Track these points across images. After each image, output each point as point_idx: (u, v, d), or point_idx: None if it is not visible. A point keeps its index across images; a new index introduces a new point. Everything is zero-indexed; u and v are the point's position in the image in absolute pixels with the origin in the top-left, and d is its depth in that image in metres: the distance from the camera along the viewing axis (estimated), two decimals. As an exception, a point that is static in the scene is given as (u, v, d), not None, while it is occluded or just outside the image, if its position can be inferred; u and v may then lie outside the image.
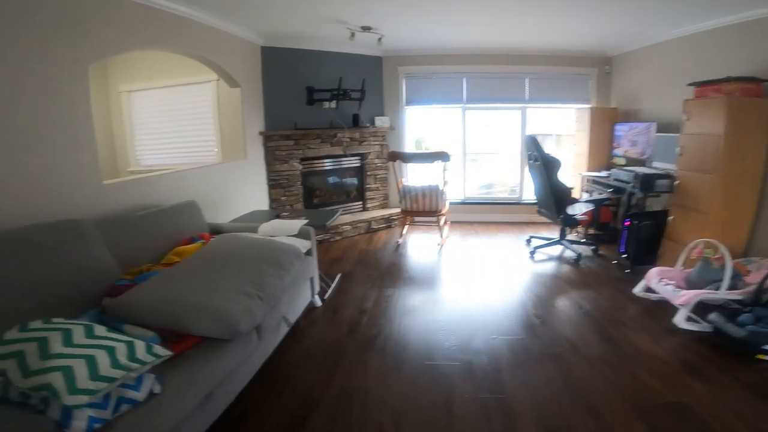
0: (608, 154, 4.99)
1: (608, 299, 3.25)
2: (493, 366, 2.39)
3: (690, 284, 3.01)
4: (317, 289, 3.12)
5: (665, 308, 2.97)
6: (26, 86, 2.07)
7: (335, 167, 5.30)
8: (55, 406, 1.07)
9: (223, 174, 3.93)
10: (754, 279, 2.82)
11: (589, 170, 4.96)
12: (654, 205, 3.92)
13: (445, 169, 4.45)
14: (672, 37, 4.24)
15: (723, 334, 2.48)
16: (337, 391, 2.18)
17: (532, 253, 4.30)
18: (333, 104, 4.97)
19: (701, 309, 2.72)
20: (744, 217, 3.25)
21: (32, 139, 2.11)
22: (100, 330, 1.30)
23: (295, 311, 2.65)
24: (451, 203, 5.22)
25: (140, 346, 1.30)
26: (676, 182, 3.50)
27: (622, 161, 4.67)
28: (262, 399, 2.10)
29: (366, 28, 4.21)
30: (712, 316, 2.61)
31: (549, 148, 4.98)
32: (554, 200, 3.92)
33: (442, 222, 4.81)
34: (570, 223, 4.02)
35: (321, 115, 4.99)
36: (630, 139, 4.58)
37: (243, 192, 4.24)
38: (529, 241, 4.68)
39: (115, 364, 1.19)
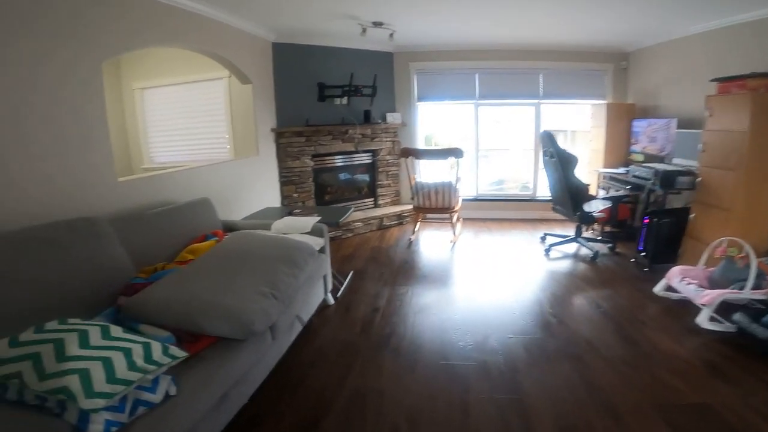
0: (625, 150, 4.89)
1: (627, 298, 3.18)
2: (509, 366, 2.35)
3: (713, 283, 2.93)
4: (330, 287, 3.10)
5: (687, 308, 2.90)
6: (40, 84, 2.06)
7: (347, 164, 5.28)
8: (72, 409, 1.05)
9: (235, 171, 3.92)
10: (779, 279, 2.73)
11: (606, 167, 4.87)
12: (673, 202, 3.83)
13: (458, 166, 4.39)
14: (693, 32, 4.15)
15: (747, 335, 2.41)
16: (351, 391, 2.16)
17: (547, 250, 4.23)
18: (344, 100, 4.94)
19: (724, 309, 2.65)
20: (768, 214, 3.15)
21: (47, 137, 2.11)
22: (116, 331, 1.28)
23: (308, 310, 2.63)
24: (463, 200, 5.16)
25: (156, 348, 1.29)
26: (698, 179, 3.41)
27: (640, 158, 4.57)
28: (276, 399, 2.08)
29: (377, 24, 4.16)
30: (737, 316, 2.53)
31: (563, 145, 4.89)
32: (570, 197, 3.84)
33: (454, 219, 4.76)
34: (587, 220, 3.95)
35: (332, 111, 4.96)
36: (649, 135, 4.48)
37: (255, 189, 4.23)
38: (543, 239, 4.61)
39: (132, 366, 1.17)
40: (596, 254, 3.98)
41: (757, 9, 3.36)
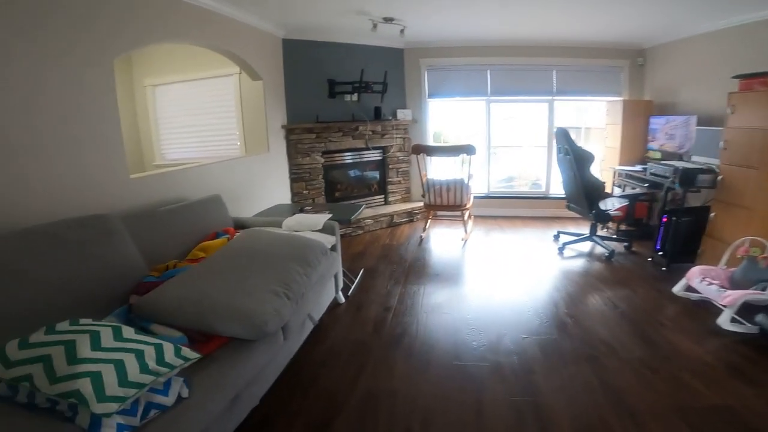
0: (642, 147, 4.79)
1: (645, 298, 3.11)
2: (524, 367, 2.30)
3: (734, 284, 2.84)
4: (341, 285, 3.07)
5: (707, 308, 2.84)
6: (52, 81, 2.05)
7: (357, 160, 5.24)
8: (84, 413, 1.03)
9: (246, 168, 3.90)
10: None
11: (621, 164, 4.77)
12: (691, 200, 3.74)
13: (470, 163, 4.33)
14: (712, 29, 4.06)
15: (771, 337, 2.34)
16: (363, 392, 2.12)
17: (561, 249, 4.16)
18: (355, 97, 4.90)
19: (745, 310, 2.58)
20: (792, 214, 3.05)
21: (59, 134, 2.10)
22: (128, 332, 1.26)
23: (319, 309, 2.60)
24: (474, 197, 5.10)
25: (168, 349, 1.26)
26: (720, 177, 3.32)
27: (658, 155, 4.47)
28: (287, 399, 2.06)
29: (388, 19, 4.11)
30: (759, 317, 2.47)
31: (578, 142, 4.80)
32: (586, 195, 3.77)
33: (466, 216, 4.70)
34: (602, 218, 3.87)
35: (343, 107, 4.92)
36: (667, 132, 4.38)
37: (266, 186, 4.21)
38: (557, 237, 4.53)
39: (144, 368, 1.14)
40: (612, 253, 3.90)
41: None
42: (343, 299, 3.13)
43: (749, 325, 2.51)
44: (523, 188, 6.07)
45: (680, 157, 4.14)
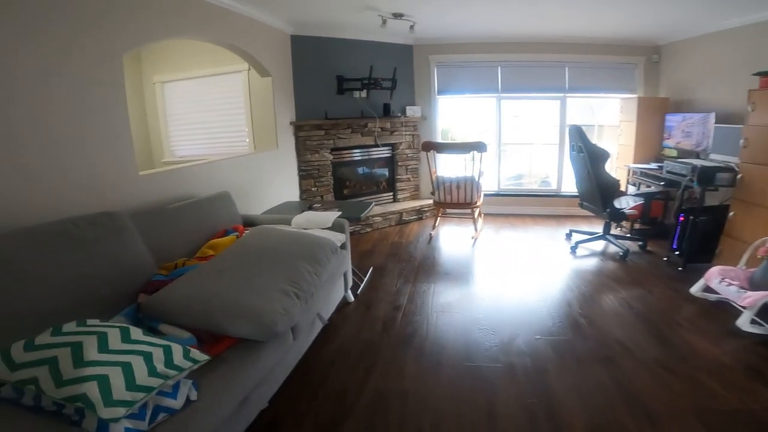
0: (657, 145, 4.70)
1: (661, 299, 3.04)
2: (537, 369, 2.25)
3: (753, 285, 2.76)
4: (350, 283, 3.03)
5: (725, 309, 2.77)
6: (60, 77, 2.02)
7: (366, 157, 5.19)
8: (91, 417, 1.00)
9: (255, 164, 3.88)
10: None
11: (636, 162, 4.68)
12: (709, 199, 3.64)
13: (481, 160, 4.27)
14: (731, 26, 3.96)
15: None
16: (373, 392, 2.09)
17: (574, 248, 4.08)
18: (364, 93, 4.85)
19: (765, 311, 2.50)
20: (814, 213, 2.96)
21: (67, 130, 2.07)
22: (136, 333, 1.23)
23: (328, 308, 2.57)
24: (484, 195, 5.03)
25: (177, 351, 1.23)
26: (739, 176, 3.23)
27: (674, 153, 4.38)
28: (296, 401, 2.02)
29: (398, 15, 4.05)
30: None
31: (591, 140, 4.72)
32: (600, 193, 3.69)
33: (476, 214, 4.64)
34: (617, 217, 3.79)
35: (351, 104, 4.88)
36: (683, 129, 4.28)
37: (274, 183, 4.19)
38: (569, 236, 4.46)
39: (152, 371, 1.11)
40: (626, 252, 3.82)
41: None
42: (352, 298, 3.10)
43: (770, 327, 2.42)
44: (531, 186, 5.99)
45: (697, 155, 4.05)
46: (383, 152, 5.29)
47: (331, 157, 4.85)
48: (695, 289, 3.01)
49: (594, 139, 5.47)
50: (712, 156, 3.85)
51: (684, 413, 1.87)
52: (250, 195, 3.70)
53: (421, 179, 5.61)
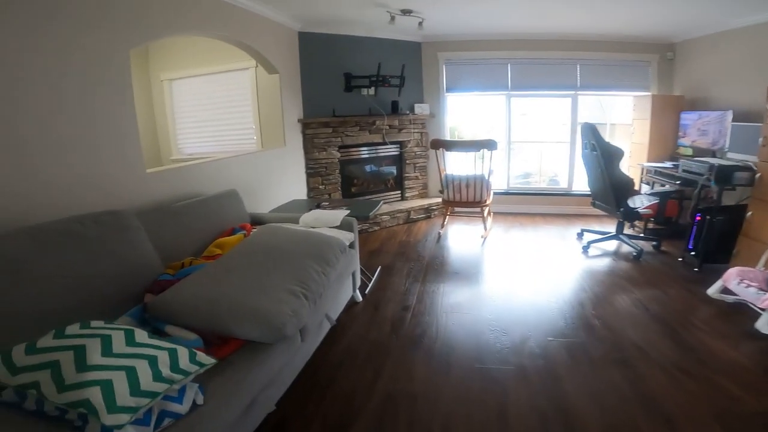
0: (672, 144, 4.61)
1: (677, 300, 2.97)
2: (550, 371, 2.20)
3: (773, 287, 2.68)
4: (358, 283, 2.99)
5: (744, 311, 2.70)
6: (67, 74, 2.00)
7: (373, 155, 5.15)
8: (94, 423, 0.97)
9: (262, 162, 3.85)
10: None
11: (650, 161, 4.59)
12: (725, 199, 3.56)
13: (491, 158, 4.20)
14: (749, 23, 3.87)
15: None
16: (382, 395, 2.05)
17: (586, 247, 4.01)
18: (372, 91, 4.80)
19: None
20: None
21: (74, 128, 2.05)
22: (141, 336, 1.19)
23: (336, 308, 2.53)
24: (494, 193, 4.97)
25: (183, 355, 1.19)
26: (758, 175, 3.14)
27: (689, 151, 4.29)
28: (303, 403, 1.99)
29: (406, 12, 4.00)
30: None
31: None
32: (614, 192, 3.61)
33: (485, 213, 4.58)
34: (631, 216, 3.71)
35: (359, 102, 4.84)
36: (699, 128, 4.19)
37: (282, 181, 4.16)
38: (581, 235, 4.38)
39: (158, 376, 1.08)
40: (640, 252, 3.74)
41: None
42: (360, 298, 3.05)
43: (790, 330, 2.35)
44: (540, 184, 5.90)
45: (713, 154, 3.96)
46: (391, 150, 5.24)
47: (339, 154, 4.81)
48: (713, 291, 2.94)
49: (606, 138, 5.39)
50: (729, 155, 3.77)
51: (702, 416, 1.82)
52: (258, 193, 3.67)
53: (430, 177, 5.56)
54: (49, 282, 1.47)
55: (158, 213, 2.25)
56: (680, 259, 3.65)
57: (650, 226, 4.38)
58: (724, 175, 3.26)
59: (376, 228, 4.89)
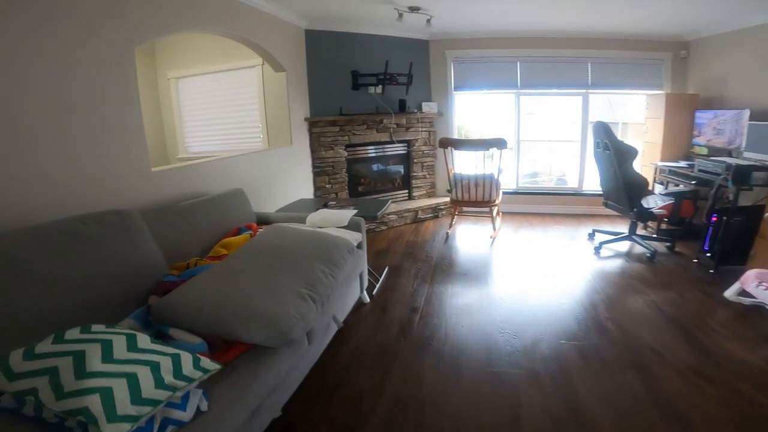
0: (686, 143, 4.51)
1: (693, 302, 2.90)
2: (563, 375, 2.14)
3: (794, 290, 2.60)
4: (366, 284, 2.94)
5: (762, 314, 2.63)
6: (71, 71, 1.96)
7: (381, 154, 5.09)
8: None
9: (268, 161, 3.81)
10: None
11: (663, 160, 4.49)
12: (742, 199, 3.46)
13: (500, 157, 4.13)
14: (766, 21, 3.76)
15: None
16: (390, 399, 2.00)
17: (598, 248, 3.93)
18: (379, 89, 4.75)
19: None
20: None
21: (78, 125, 2.01)
22: (143, 341, 1.15)
23: (344, 309, 2.48)
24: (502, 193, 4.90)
25: (187, 360, 1.15)
26: (777, 174, 3.05)
27: (704, 151, 4.20)
28: (309, 407, 1.94)
29: (414, 9, 3.94)
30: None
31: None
32: (627, 192, 3.53)
33: (494, 213, 4.51)
34: (645, 217, 3.62)
35: (366, 100, 4.79)
36: (714, 127, 4.10)
37: (289, 180, 4.12)
38: (592, 236, 4.30)
39: (160, 383, 1.04)
40: (654, 253, 3.66)
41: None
42: (367, 299, 3.00)
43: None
44: (547, 184, 5.82)
45: (729, 153, 3.87)
46: (398, 149, 5.18)
47: (346, 153, 4.76)
48: (730, 293, 2.86)
49: (618, 137, 5.30)
50: (746, 154, 3.68)
51: (720, 421, 1.77)
52: (264, 192, 3.64)
53: (437, 176, 5.50)
54: (50, 282, 1.44)
55: (163, 212, 2.21)
56: (695, 261, 3.56)
57: (663, 226, 4.29)
58: (742, 175, 3.17)
59: (384, 227, 4.84)
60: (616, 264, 3.66)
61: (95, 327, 1.15)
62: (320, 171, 4.64)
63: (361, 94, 4.76)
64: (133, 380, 1.00)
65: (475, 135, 5.90)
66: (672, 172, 4.19)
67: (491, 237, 4.45)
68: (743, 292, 2.78)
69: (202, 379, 1.18)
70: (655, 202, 3.64)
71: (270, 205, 3.67)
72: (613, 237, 4.04)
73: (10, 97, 1.70)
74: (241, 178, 3.29)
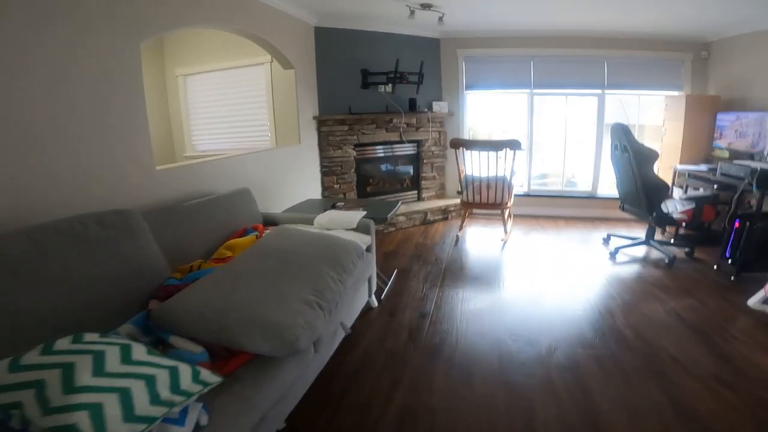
0: (707, 145, 4.38)
1: (714, 310, 2.78)
2: (579, 384, 2.05)
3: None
4: (374, 288, 2.86)
5: (788, 324, 2.51)
6: (76, 67, 1.90)
7: (390, 154, 5.01)
8: (81, 453, 0.85)
9: (276, 160, 3.74)
10: None
11: (683, 163, 4.36)
12: (766, 204, 3.33)
13: (513, 159, 4.03)
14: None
15: None
16: (399, 408, 1.92)
17: (614, 253, 3.81)
18: (389, 88, 4.67)
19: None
20: None
21: (82, 122, 1.95)
22: (138, 352, 1.07)
23: (352, 315, 2.40)
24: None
25: (185, 373, 1.07)
26: (804, 178, 2.92)
27: (725, 154, 4.07)
28: (315, 416, 1.86)
29: (426, 6, 3.86)
30: None
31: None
32: (646, 196, 3.41)
33: (506, 215, 4.41)
34: (664, 222, 3.50)
35: (376, 99, 4.71)
36: (736, 129, 3.97)
37: (296, 179, 4.05)
38: (607, 240, 4.18)
39: (155, 399, 0.96)
40: (673, 259, 3.53)
41: None
42: (375, 303, 2.92)
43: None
44: (556, 186, 5.69)
45: (751, 157, 3.73)
46: (408, 149, 5.09)
47: (355, 153, 4.68)
48: (753, 301, 2.75)
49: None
50: (770, 157, 3.54)
51: (743, 431, 1.71)
52: (271, 192, 3.57)
53: (447, 177, 5.41)
54: (48, 285, 1.37)
55: (167, 212, 2.15)
56: (715, 267, 3.43)
57: (681, 231, 4.16)
58: (766, 180, 3.04)
59: (392, 229, 4.76)
60: (633, 270, 3.55)
61: (88, 336, 1.08)
62: (328, 171, 4.56)
63: (371, 93, 4.68)
64: (125, 396, 0.92)
65: (482, 135, 5.78)
66: (692, 175, 4.06)
67: (502, 240, 4.34)
68: (767, 300, 2.66)
69: (202, 393, 1.10)
70: (675, 206, 3.52)
71: (277, 205, 3.60)
72: (630, 242, 3.91)
73: (15, 96, 1.66)
74: (248, 177, 3.23)
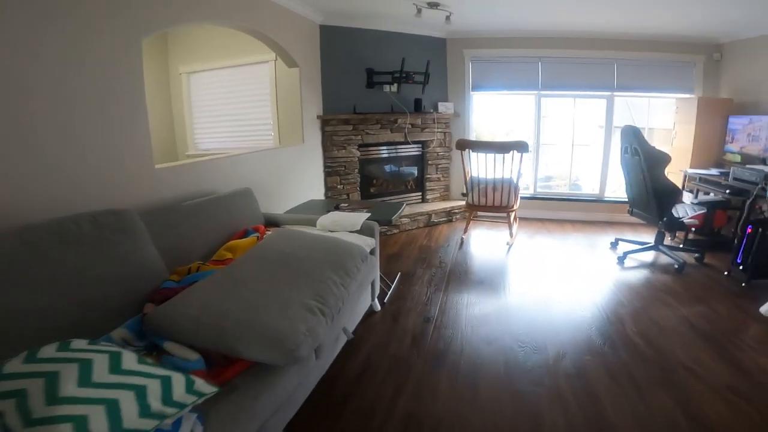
0: (719, 149, 4.29)
1: (726, 317, 2.72)
2: (588, 393, 1.99)
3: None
4: (377, 291, 2.79)
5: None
6: (74, 65, 1.85)
7: (394, 155, 4.95)
8: (64, 469, 0.80)
9: (279, 159, 3.69)
10: None
11: (693, 167, 4.28)
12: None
13: (521, 161, 3.96)
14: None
15: None
16: (402, 416, 1.86)
17: (622, 258, 3.73)
18: (394, 88, 4.61)
19: None
20: None
21: (82, 119, 1.91)
22: (129, 361, 1.01)
23: (354, 319, 2.34)
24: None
25: (179, 383, 1.01)
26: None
27: (737, 158, 3.98)
28: (316, 424, 1.80)
29: (433, 5, 3.80)
30: None
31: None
32: (657, 200, 3.33)
33: (512, 218, 4.34)
34: (674, 227, 3.42)
35: (381, 99, 4.65)
36: (749, 133, 3.90)
37: (299, 179, 3.99)
38: (614, 245, 4.10)
39: (145, 411, 0.90)
40: (683, 265, 3.45)
41: None
42: (378, 307, 2.85)
43: None
44: (562, 189, 5.61)
45: (764, 161, 3.65)
46: (413, 150, 5.03)
47: (359, 153, 4.63)
48: (766, 309, 2.68)
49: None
50: (784, 162, 3.46)
51: None
52: (274, 192, 3.51)
53: (452, 179, 5.34)
54: (38, 287, 1.32)
55: (166, 212, 2.09)
56: (726, 273, 3.36)
57: (691, 236, 4.08)
58: (781, 184, 2.97)
59: (395, 231, 4.70)
60: (642, 275, 3.47)
61: (75, 343, 1.02)
62: (332, 171, 4.50)
63: (376, 93, 4.62)
64: (113, 407, 0.86)
65: (486, 137, 5.72)
66: (703, 179, 3.98)
67: (508, 243, 4.27)
68: (782, 309, 2.59)
69: (197, 404, 1.04)
70: (686, 211, 3.44)
71: (279, 205, 3.55)
72: (639, 247, 3.83)
73: (14, 95, 1.62)
74: (250, 176, 3.17)
